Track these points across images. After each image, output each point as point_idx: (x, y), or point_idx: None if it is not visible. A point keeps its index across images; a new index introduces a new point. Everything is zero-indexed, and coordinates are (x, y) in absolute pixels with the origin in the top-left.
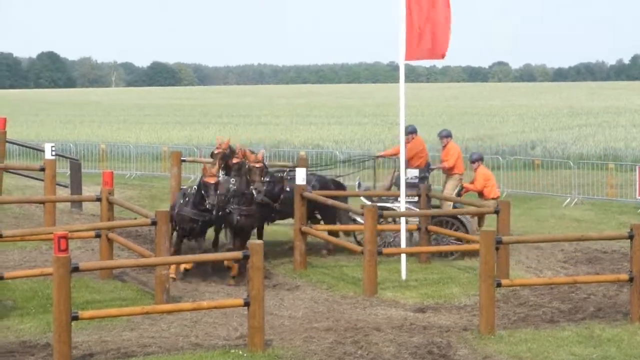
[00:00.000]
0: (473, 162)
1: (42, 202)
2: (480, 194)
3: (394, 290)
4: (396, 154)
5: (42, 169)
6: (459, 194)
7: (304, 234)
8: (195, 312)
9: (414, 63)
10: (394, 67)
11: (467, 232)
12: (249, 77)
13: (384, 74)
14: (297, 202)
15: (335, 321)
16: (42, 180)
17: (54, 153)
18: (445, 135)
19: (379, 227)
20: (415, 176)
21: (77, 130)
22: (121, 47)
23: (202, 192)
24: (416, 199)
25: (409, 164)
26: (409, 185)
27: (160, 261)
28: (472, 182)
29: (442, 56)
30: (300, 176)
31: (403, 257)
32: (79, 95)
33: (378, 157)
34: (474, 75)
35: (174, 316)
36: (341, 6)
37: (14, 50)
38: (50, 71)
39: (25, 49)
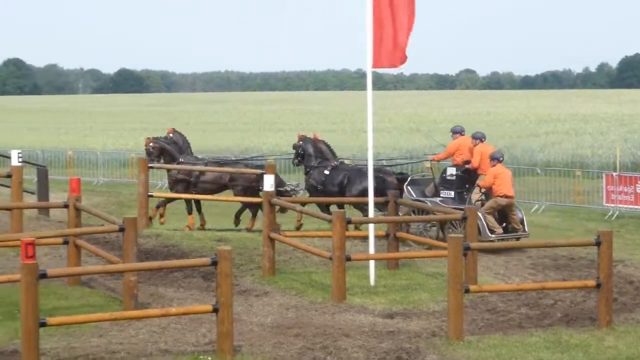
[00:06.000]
0: (491, 160)
1: (9, 209)
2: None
3: (363, 296)
4: (447, 158)
5: (9, 176)
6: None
7: (272, 240)
8: (163, 318)
9: (381, 70)
10: (362, 75)
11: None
12: (216, 84)
13: (351, 81)
14: (266, 208)
15: (304, 327)
16: (9, 187)
17: (20, 160)
18: (475, 138)
19: (348, 233)
20: (452, 174)
21: (43, 137)
22: (88, 54)
23: None
24: (452, 194)
25: (454, 161)
26: (447, 182)
27: (128, 267)
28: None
29: (402, 62)
30: (269, 182)
31: (371, 263)
32: (45, 101)
33: (431, 160)
34: (441, 82)
35: (142, 322)
36: (308, 13)
37: None
38: (16, 78)
39: None
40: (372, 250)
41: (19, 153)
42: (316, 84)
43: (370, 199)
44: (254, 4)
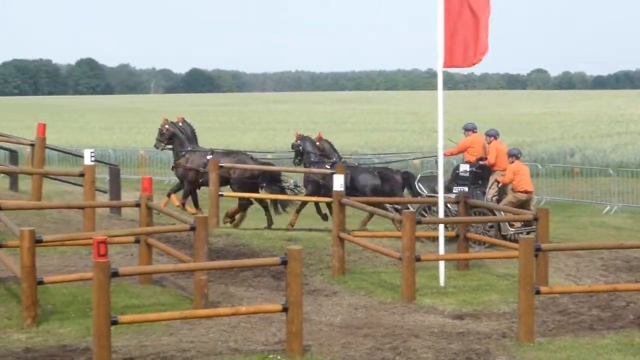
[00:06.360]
0: (509, 157)
1: (82, 208)
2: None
3: (432, 296)
4: (458, 153)
5: (82, 175)
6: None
7: (341, 240)
8: (233, 317)
9: (452, 70)
10: (432, 74)
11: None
12: (287, 84)
13: (421, 81)
14: (336, 208)
15: (373, 327)
16: (82, 185)
17: (93, 159)
18: (489, 135)
19: (418, 233)
20: (466, 170)
21: (116, 136)
22: (159, 54)
23: None
24: (466, 190)
25: (465, 158)
26: (461, 178)
27: (199, 266)
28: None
29: (476, 63)
30: (338, 182)
31: (441, 263)
32: (117, 101)
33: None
34: (512, 82)
35: (213, 321)
36: (379, 13)
37: (53, 56)
38: (89, 77)
39: (64, 56)
40: (442, 250)
41: (91, 152)
42: (386, 83)
43: (440, 199)
44: (324, 4)
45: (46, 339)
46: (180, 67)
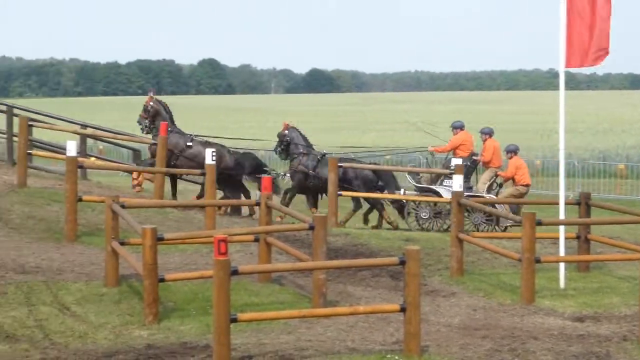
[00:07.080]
0: (508, 152)
1: (203, 206)
2: (513, 181)
3: (552, 298)
4: (449, 151)
5: (203, 174)
6: (491, 183)
7: (460, 240)
8: (351, 316)
9: (574, 70)
10: (554, 74)
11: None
12: (406, 84)
13: (543, 81)
14: (454, 208)
15: (492, 329)
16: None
17: (214, 158)
18: (484, 133)
19: (538, 234)
20: (459, 164)
21: (235, 135)
22: (280, 54)
23: None
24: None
25: (454, 154)
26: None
27: (317, 265)
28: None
29: (598, 63)
30: (457, 183)
31: (561, 265)
32: (239, 101)
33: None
34: (636, 82)
35: (331, 320)
36: (499, 13)
37: (175, 57)
38: (211, 78)
39: (187, 56)
40: (562, 252)
41: (212, 152)
42: (507, 83)
43: (561, 199)
44: (442, 3)
45: (167, 335)
46: (301, 68)
